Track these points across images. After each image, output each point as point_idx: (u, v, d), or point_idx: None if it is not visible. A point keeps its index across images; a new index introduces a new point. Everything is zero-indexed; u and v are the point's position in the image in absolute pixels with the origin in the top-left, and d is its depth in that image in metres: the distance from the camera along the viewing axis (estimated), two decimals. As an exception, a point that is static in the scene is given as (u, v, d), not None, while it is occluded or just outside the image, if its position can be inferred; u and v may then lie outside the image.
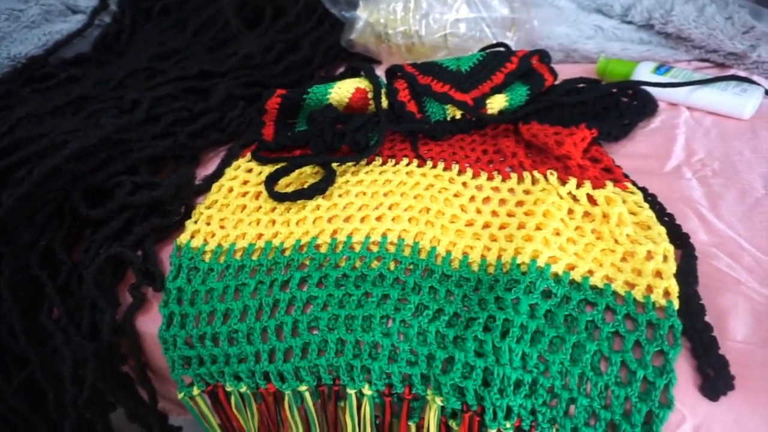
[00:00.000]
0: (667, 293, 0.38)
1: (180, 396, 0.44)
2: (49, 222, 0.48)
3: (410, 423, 0.39)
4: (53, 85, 0.66)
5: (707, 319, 0.37)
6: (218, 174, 0.53)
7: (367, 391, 0.38)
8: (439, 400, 0.36)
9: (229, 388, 0.42)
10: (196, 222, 0.48)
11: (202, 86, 0.61)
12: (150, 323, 0.45)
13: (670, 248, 0.40)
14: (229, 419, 0.45)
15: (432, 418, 0.37)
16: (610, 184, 0.46)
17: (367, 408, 0.39)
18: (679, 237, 0.42)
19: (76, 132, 0.48)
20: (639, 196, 0.45)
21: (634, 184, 0.47)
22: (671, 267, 0.39)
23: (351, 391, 0.39)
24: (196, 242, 0.47)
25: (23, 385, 0.50)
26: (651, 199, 0.46)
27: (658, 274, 0.39)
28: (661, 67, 0.63)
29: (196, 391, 0.43)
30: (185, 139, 0.54)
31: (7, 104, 0.63)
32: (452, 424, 0.37)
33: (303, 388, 0.40)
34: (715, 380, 0.34)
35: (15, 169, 0.45)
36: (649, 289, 0.38)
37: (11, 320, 0.46)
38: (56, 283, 0.46)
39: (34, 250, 0.47)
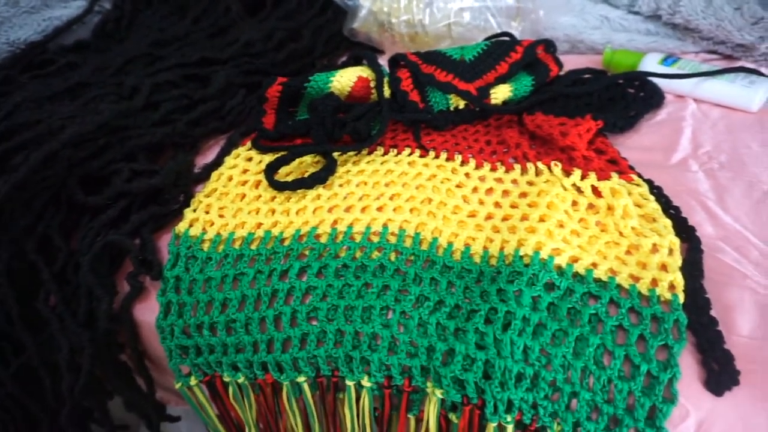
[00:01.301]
0: (672, 287, 0.37)
1: (177, 386, 0.43)
2: (46, 208, 0.47)
3: (409, 416, 0.38)
4: (52, 71, 0.65)
5: (713, 313, 0.36)
6: (218, 162, 0.53)
7: (366, 382, 0.38)
8: (439, 393, 0.36)
9: (226, 379, 0.42)
10: (194, 210, 0.48)
11: (202, 73, 0.61)
12: (147, 312, 0.45)
13: (676, 241, 0.39)
14: (226, 410, 0.44)
15: (432, 411, 0.37)
16: (615, 176, 0.45)
17: (366, 400, 0.38)
18: (685, 230, 0.41)
19: (74, 118, 0.47)
20: (644, 189, 0.44)
21: (639, 176, 0.46)
22: (677, 260, 0.38)
23: (350, 383, 0.38)
24: (195, 231, 0.46)
25: (20, 371, 0.49)
26: (657, 191, 0.45)
27: (664, 267, 0.38)
28: (668, 59, 0.62)
29: (193, 381, 0.43)
30: (184, 126, 0.53)
31: (6, 90, 0.62)
32: (452, 417, 0.36)
33: (301, 379, 0.39)
34: (720, 375, 0.33)
35: (12, 154, 0.44)
36: (654, 282, 0.37)
37: (7, 306, 0.46)
38: (53, 270, 0.46)
39: (30, 236, 0.46)
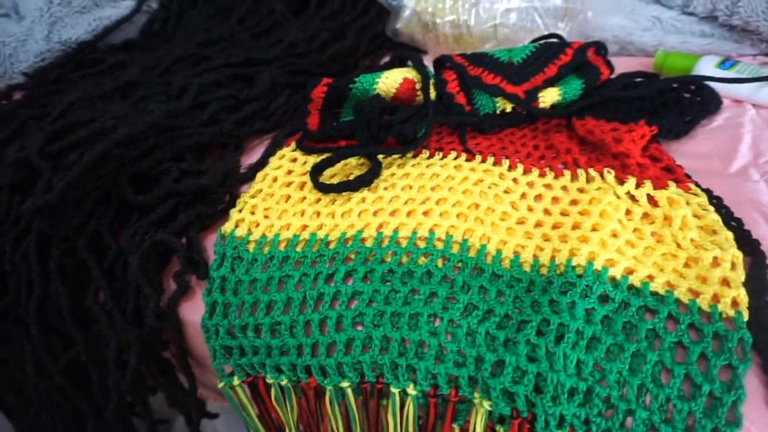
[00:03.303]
0: (735, 303, 0.35)
1: (220, 385, 0.43)
2: (97, 207, 0.48)
3: (455, 426, 0.37)
4: (102, 70, 0.67)
5: (779, 332, 0.34)
6: (263, 163, 0.53)
7: (411, 390, 0.37)
8: (487, 405, 0.35)
9: (269, 380, 0.42)
10: (240, 211, 0.48)
11: (247, 74, 0.61)
12: (193, 311, 0.45)
13: (739, 255, 0.38)
14: (268, 411, 0.44)
15: (479, 423, 0.36)
16: (672, 185, 0.43)
17: (410, 408, 0.38)
18: (748, 243, 0.39)
19: (125, 117, 0.48)
20: (704, 198, 0.42)
21: (697, 185, 0.44)
22: (740, 275, 0.36)
23: (395, 390, 0.38)
24: (241, 231, 0.46)
25: (69, 365, 0.50)
26: (716, 201, 0.43)
27: (726, 282, 0.36)
28: (726, 62, 0.59)
29: (236, 381, 0.43)
30: (231, 127, 0.54)
31: (58, 89, 0.64)
32: (500, 429, 0.36)
33: (345, 384, 0.39)
34: (788, 399, 0.32)
35: (66, 152, 0.45)
36: (716, 298, 0.36)
37: (59, 302, 0.47)
38: (102, 267, 0.46)
39: (81, 234, 0.47)
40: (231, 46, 0.67)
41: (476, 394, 0.36)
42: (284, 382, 0.41)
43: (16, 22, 0.74)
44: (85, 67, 0.69)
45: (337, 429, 0.42)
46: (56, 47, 0.70)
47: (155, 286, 0.45)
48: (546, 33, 0.65)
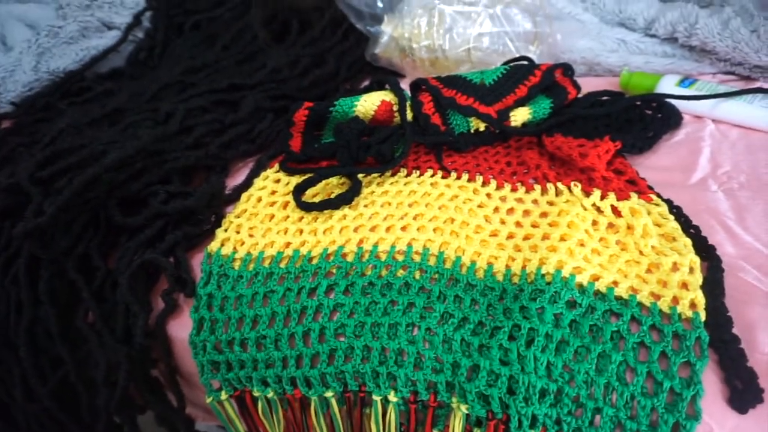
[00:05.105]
0: (693, 305, 0.38)
1: (208, 400, 0.45)
2: (86, 229, 0.49)
3: (435, 431, 0.39)
4: (90, 98, 0.69)
5: (735, 331, 0.36)
6: (247, 184, 0.55)
7: (392, 397, 0.39)
8: (464, 408, 0.37)
9: (256, 393, 0.43)
10: (226, 230, 0.50)
11: (231, 99, 0.63)
12: (181, 328, 0.47)
13: (696, 260, 0.40)
14: (255, 425, 0.45)
15: (457, 426, 0.37)
16: (634, 196, 0.46)
17: (392, 415, 0.39)
18: (705, 249, 0.42)
19: (114, 143, 0.50)
20: (664, 208, 0.45)
21: (658, 195, 0.47)
22: (697, 279, 0.39)
23: (377, 398, 0.39)
24: (226, 250, 0.48)
25: (58, 387, 0.51)
26: (676, 211, 0.46)
27: (684, 285, 0.39)
28: (686, 80, 0.63)
29: (224, 395, 0.44)
30: (216, 150, 0.56)
31: (47, 117, 0.65)
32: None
33: (329, 394, 0.40)
34: (744, 393, 0.34)
35: (56, 178, 0.47)
36: (675, 300, 0.38)
37: (48, 323, 0.48)
38: (92, 288, 0.48)
39: (71, 256, 0.48)
40: (215, 73, 0.70)
41: (454, 399, 0.38)
42: (270, 395, 0.43)
43: (4, 53, 0.76)
44: (72, 95, 0.71)
45: (323, 439, 0.43)
46: (44, 77, 0.72)
47: (144, 305, 0.46)
48: (517, 56, 0.68)
